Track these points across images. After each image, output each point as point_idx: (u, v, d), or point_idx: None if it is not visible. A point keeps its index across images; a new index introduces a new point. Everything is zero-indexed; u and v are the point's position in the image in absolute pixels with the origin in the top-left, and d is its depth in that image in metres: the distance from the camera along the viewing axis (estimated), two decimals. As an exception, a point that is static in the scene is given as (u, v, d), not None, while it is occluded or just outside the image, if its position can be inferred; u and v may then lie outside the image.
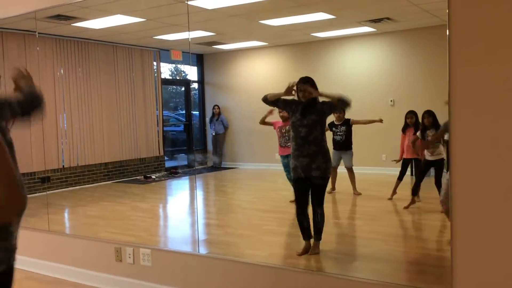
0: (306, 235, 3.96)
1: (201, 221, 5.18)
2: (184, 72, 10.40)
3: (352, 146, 5.55)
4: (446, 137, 3.50)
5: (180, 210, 6.79)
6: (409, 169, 5.51)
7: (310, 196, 3.96)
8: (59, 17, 5.33)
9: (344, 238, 4.70)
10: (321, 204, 3.94)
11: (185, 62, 9.35)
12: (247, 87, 8.63)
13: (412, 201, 5.13)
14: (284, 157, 5.61)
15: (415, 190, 5.18)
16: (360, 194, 5.75)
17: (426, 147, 5.02)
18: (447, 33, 2.50)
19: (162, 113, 9.38)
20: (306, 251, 3.88)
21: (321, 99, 3.89)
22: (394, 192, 5.43)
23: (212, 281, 3.52)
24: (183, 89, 10.78)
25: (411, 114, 5.45)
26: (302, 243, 3.95)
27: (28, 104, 2.10)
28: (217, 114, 9.26)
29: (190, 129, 10.18)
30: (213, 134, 9.29)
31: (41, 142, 6.10)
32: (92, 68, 7.93)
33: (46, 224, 4.64)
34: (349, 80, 6.77)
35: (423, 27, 5.96)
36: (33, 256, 4.45)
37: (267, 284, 3.30)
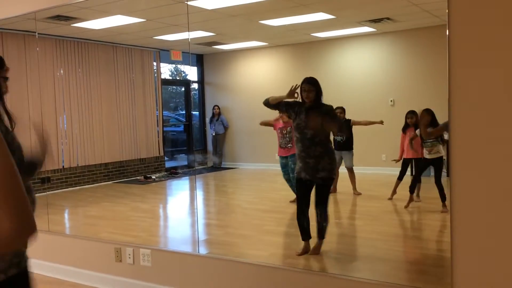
0: (305, 235, 3.96)
1: (201, 221, 5.17)
2: (184, 72, 10.40)
3: (353, 146, 5.55)
4: (446, 136, 3.50)
5: (180, 210, 6.79)
6: (409, 169, 5.51)
7: (310, 197, 3.96)
8: (59, 17, 5.33)
9: (344, 238, 4.70)
10: (326, 205, 3.93)
11: (185, 62, 9.34)
12: (247, 87, 8.62)
13: (411, 199, 5.13)
14: (283, 158, 5.61)
15: (412, 188, 5.18)
16: (360, 194, 5.75)
17: (426, 136, 4.98)
18: (447, 33, 2.50)
19: (162, 113, 9.37)
20: (305, 251, 3.88)
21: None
22: (394, 192, 5.42)
23: (212, 281, 3.52)
24: (183, 89, 10.78)
25: (412, 114, 5.45)
26: (302, 243, 3.94)
27: (25, 167, 2.00)
28: (217, 114, 9.25)
29: (190, 129, 10.18)
30: (213, 134, 9.29)
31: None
32: (92, 69, 7.93)
33: (46, 224, 4.63)
34: (349, 80, 6.76)
35: (423, 27, 5.95)
36: (33, 257, 4.43)
37: (267, 284, 3.30)
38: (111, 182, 8.01)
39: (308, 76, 3.93)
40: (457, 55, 2.49)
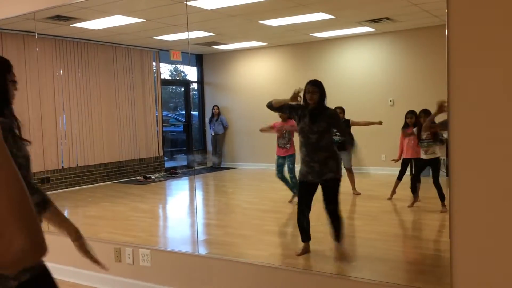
0: (305, 236, 3.95)
1: (200, 221, 5.17)
2: (183, 72, 10.40)
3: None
4: (445, 135, 3.50)
5: (180, 210, 6.79)
6: (408, 169, 5.51)
7: (313, 200, 3.95)
8: (58, 17, 5.33)
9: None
10: (336, 204, 3.89)
11: (185, 62, 9.34)
12: (247, 87, 8.62)
13: (415, 200, 5.16)
14: (281, 158, 5.61)
15: (414, 188, 5.20)
16: (359, 194, 5.74)
17: (426, 129, 4.97)
18: (446, 33, 2.50)
19: (162, 113, 9.37)
20: (305, 252, 3.88)
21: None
22: (394, 192, 5.43)
23: (212, 281, 3.52)
24: (182, 89, 10.78)
25: (411, 114, 5.45)
26: (302, 243, 3.94)
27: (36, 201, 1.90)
28: (216, 115, 9.25)
29: (189, 129, 10.18)
30: (213, 134, 9.29)
31: (40, 143, 6.10)
32: (91, 69, 7.93)
33: (46, 224, 4.63)
34: (348, 80, 6.76)
35: (423, 27, 5.95)
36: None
37: (266, 284, 3.30)
38: (110, 182, 8.01)
39: (308, 76, 3.94)
40: (456, 55, 2.49)
